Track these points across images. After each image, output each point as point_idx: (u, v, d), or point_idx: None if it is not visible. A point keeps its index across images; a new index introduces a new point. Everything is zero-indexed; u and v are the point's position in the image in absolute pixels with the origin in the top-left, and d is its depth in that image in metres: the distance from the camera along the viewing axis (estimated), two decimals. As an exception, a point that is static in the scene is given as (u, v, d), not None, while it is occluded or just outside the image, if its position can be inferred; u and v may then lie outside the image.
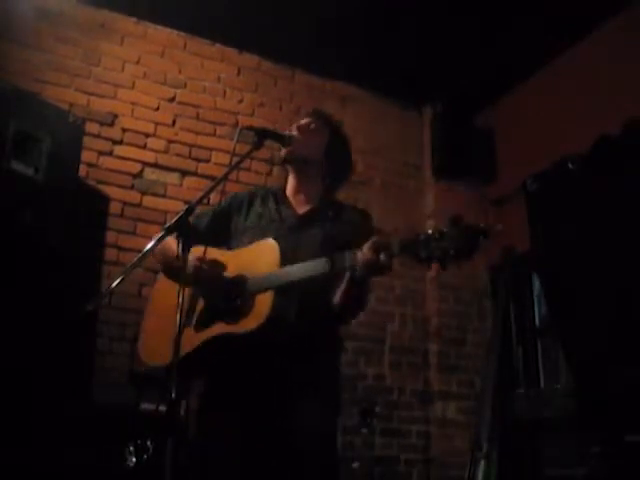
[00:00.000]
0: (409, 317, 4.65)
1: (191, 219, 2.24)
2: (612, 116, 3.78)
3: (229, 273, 2.08)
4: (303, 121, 2.30)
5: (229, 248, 2.22)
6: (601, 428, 3.13)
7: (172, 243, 2.02)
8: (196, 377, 2.19)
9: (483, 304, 4.74)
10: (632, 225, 3.56)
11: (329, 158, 2.27)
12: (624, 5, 3.89)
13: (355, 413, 3.79)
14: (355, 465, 3.63)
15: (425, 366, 4.57)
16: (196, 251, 2.02)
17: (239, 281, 2.04)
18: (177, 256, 1.83)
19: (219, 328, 1.99)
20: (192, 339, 2.01)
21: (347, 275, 1.96)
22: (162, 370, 2.03)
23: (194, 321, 2.06)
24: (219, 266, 2.08)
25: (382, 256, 1.80)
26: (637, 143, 3.61)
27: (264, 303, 1.94)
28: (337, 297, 2.04)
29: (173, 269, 2.11)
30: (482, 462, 3.39)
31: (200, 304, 2.10)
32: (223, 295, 2.05)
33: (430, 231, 1.71)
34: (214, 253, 2.15)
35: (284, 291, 1.97)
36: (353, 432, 3.90)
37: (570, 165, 3.96)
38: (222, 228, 2.27)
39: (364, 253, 1.83)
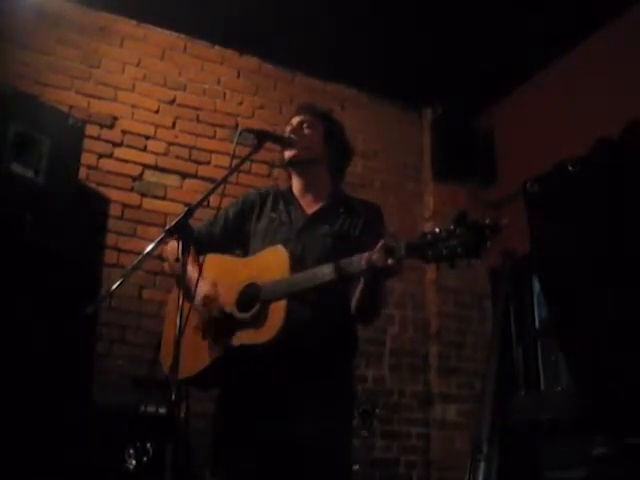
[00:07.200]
0: (409, 320, 4.64)
1: (204, 225, 2.29)
2: (612, 117, 3.78)
3: (242, 282, 2.06)
4: (295, 120, 2.28)
5: (245, 251, 2.23)
6: (601, 430, 3.13)
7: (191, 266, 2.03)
8: (215, 386, 2.19)
9: (483, 306, 4.73)
10: (632, 227, 3.56)
11: (330, 149, 2.27)
12: (624, 5, 3.90)
13: (355, 415, 3.79)
14: (355, 467, 3.62)
15: (425, 368, 4.56)
16: (210, 262, 2.06)
17: (253, 290, 2.01)
18: (177, 258, 1.82)
19: (237, 339, 1.98)
20: (211, 351, 2.02)
21: (362, 280, 1.94)
22: (184, 382, 2.05)
23: (213, 333, 2.06)
24: (224, 299, 2.06)
25: (390, 260, 1.76)
26: (637, 145, 3.61)
27: (278, 311, 1.92)
28: (353, 302, 2.02)
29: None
30: (482, 464, 3.39)
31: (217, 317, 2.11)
32: (238, 309, 2.03)
33: (437, 230, 1.67)
34: (227, 261, 2.17)
35: (299, 298, 1.94)
36: (353, 434, 3.90)
37: (570, 167, 3.96)
38: (236, 231, 2.27)
39: (373, 257, 1.78)
